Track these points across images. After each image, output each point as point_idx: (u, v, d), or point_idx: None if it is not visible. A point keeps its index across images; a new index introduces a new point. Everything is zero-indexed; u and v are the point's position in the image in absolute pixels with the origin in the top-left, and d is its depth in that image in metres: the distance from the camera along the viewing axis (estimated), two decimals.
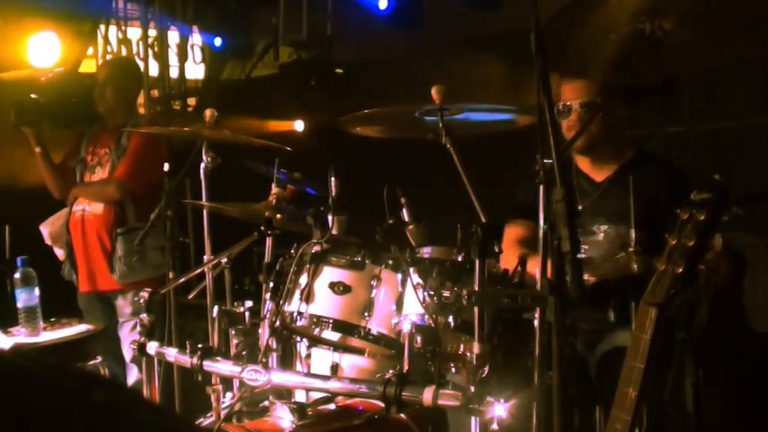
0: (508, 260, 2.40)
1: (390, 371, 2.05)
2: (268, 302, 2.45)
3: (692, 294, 1.55)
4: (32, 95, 3.89)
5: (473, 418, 1.99)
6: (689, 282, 1.53)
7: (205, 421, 2.48)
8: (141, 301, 2.57)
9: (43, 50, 4.43)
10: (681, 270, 1.53)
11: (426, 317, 2.19)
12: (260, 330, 2.50)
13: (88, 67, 5.19)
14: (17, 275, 3.20)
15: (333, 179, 2.42)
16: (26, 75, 4.46)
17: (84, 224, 3.84)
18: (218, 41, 5.44)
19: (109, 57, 5.40)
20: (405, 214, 2.48)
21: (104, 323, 3.75)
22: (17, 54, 4.43)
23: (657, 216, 2.63)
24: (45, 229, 3.99)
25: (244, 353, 2.48)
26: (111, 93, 3.91)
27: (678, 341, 2.44)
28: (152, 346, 2.49)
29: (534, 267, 2.15)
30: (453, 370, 2.30)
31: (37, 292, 3.21)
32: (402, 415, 2.23)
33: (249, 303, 2.59)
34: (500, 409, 1.92)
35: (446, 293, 2.25)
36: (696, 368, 2.41)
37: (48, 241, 4.00)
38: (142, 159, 3.75)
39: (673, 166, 2.89)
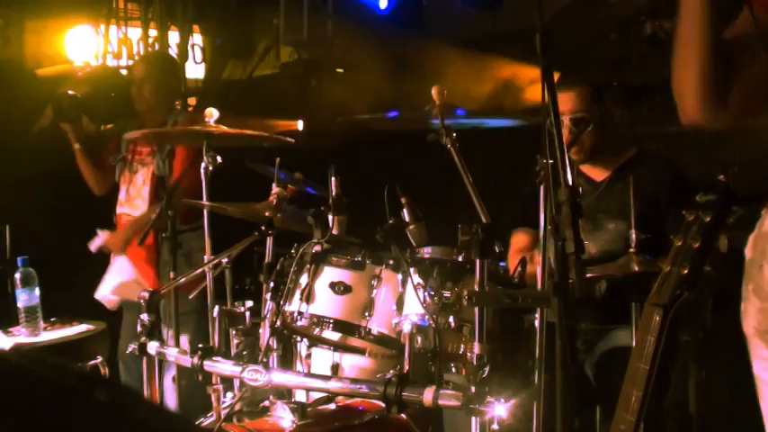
0: (514, 265, 2.41)
1: (391, 371, 2.05)
2: (268, 302, 2.45)
3: (696, 296, 1.55)
4: (70, 92, 3.84)
5: (473, 419, 1.99)
6: (694, 283, 1.53)
7: (205, 421, 2.48)
8: (141, 301, 2.57)
9: (80, 44, 4.40)
10: (686, 271, 1.53)
11: (427, 317, 2.19)
12: (260, 330, 2.50)
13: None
14: (17, 275, 3.19)
15: (333, 179, 2.41)
16: (63, 70, 4.43)
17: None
18: (218, 41, 5.43)
19: (110, 56, 5.39)
20: (405, 214, 2.48)
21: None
22: (53, 49, 4.42)
23: (656, 215, 2.63)
24: (113, 297, 3.75)
25: (244, 353, 2.48)
26: (149, 91, 3.79)
27: (681, 342, 2.44)
28: (152, 346, 2.49)
29: (535, 267, 2.15)
30: (453, 370, 2.30)
31: (37, 292, 3.21)
32: (402, 415, 2.23)
33: (250, 303, 2.59)
34: (500, 409, 1.92)
35: (446, 294, 2.25)
36: (699, 369, 2.41)
37: (110, 307, 3.76)
38: (190, 165, 3.62)
39: (671, 165, 2.90)
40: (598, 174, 2.93)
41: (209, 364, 2.30)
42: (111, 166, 3.92)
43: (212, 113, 2.81)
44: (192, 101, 5.56)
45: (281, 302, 2.39)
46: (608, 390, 1.73)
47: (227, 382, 2.48)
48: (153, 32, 5.49)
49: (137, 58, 5.18)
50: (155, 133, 3.55)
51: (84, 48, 4.45)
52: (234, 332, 2.56)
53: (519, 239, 2.98)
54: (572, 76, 2.83)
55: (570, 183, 1.48)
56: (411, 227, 2.40)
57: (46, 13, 4.58)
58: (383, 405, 2.03)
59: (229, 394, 2.51)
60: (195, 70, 5.60)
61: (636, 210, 2.28)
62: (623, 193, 2.73)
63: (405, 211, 2.41)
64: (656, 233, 2.28)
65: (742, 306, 1.69)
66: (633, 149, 2.94)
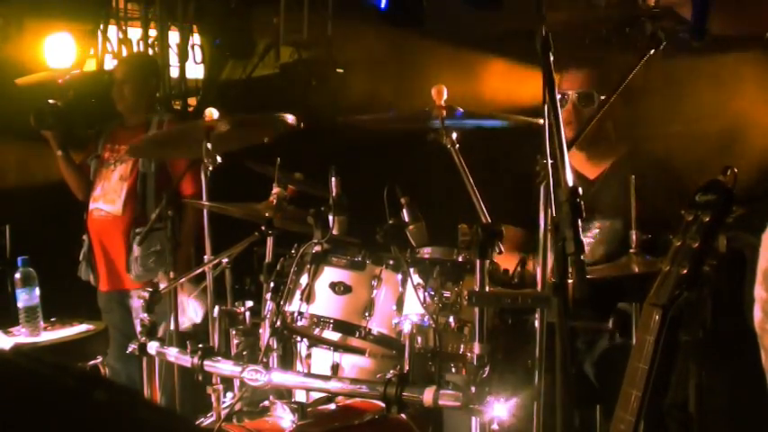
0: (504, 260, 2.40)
1: (391, 371, 2.05)
2: (269, 302, 2.45)
3: (696, 296, 1.55)
4: (50, 101, 3.88)
5: (473, 419, 1.99)
6: (693, 283, 1.53)
7: (205, 421, 2.48)
8: (142, 301, 2.57)
9: (59, 52, 4.43)
10: (685, 271, 1.53)
11: (427, 317, 2.19)
12: (260, 330, 2.50)
13: (88, 67, 5.18)
14: (17, 275, 3.19)
15: (333, 179, 2.41)
16: (44, 78, 4.44)
17: (105, 224, 3.82)
18: (218, 41, 5.43)
19: (109, 56, 5.39)
20: (405, 214, 2.48)
21: (123, 323, 3.74)
22: (34, 57, 4.43)
23: (652, 212, 2.62)
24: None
25: (244, 353, 2.48)
26: (129, 90, 3.87)
27: (681, 342, 2.44)
28: (152, 346, 2.49)
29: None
30: (453, 370, 2.30)
31: (37, 292, 3.21)
32: (402, 415, 2.23)
33: (250, 303, 2.59)
34: (500, 409, 1.92)
35: (446, 294, 2.25)
36: (699, 369, 2.40)
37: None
38: (188, 163, 3.51)
39: (666, 162, 2.89)
40: (592, 171, 2.93)
41: (209, 364, 2.30)
42: (88, 165, 3.94)
43: (212, 114, 2.81)
44: (192, 101, 5.56)
45: (281, 302, 2.39)
46: (609, 388, 1.73)
47: (227, 382, 2.48)
48: (153, 32, 5.49)
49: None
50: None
51: (64, 55, 4.46)
52: (234, 332, 2.55)
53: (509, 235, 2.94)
54: (586, 58, 2.82)
55: (571, 183, 1.48)
56: (411, 227, 2.40)
57: (44, 14, 4.58)
58: (383, 405, 2.03)
59: (229, 394, 2.51)
60: (195, 70, 5.60)
61: (629, 209, 2.27)
62: (615, 191, 2.73)
63: (405, 211, 2.41)
64: (653, 232, 2.28)
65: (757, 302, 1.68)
66: (625, 148, 2.93)
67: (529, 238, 2.83)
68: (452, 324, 2.22)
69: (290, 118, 2.80)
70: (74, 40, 4.48)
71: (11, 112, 4.13)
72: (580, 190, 1.48)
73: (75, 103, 4.12)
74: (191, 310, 3.28)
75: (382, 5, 4.80)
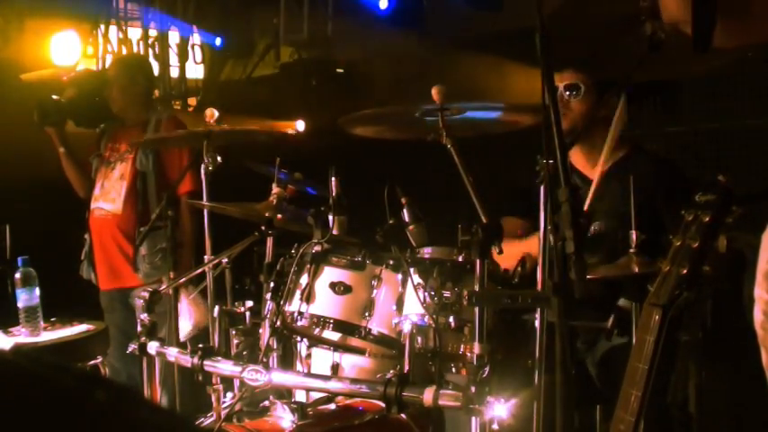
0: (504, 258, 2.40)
1: (391, 371, 2.05)
2: (269, 302, 2.45)
3: (696, 296, 1.55)
4: (54, 96, 3.89)
5: (473, 418, 1.99)
6: (693, 283, 1.53)
7: (205, 421, 2.48)
8: (141, 301, 2.57)
9: (65, 49, 4.43)
10: (685, 271, 1.53)
11: (427, 317, 2.19)
12: (260, 330, 2.50)
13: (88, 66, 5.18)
14: (17, 275, 3.19)
15: (333, 179, 2.41)
16: (49, 75, 4.45)
17: (105, 223, 3.82)
18: (218, 41, 5.44)
19: (109, 56, 5.40)
20: (405, 214, 2.48)
21: (125, 322, 3.74)
22: (39, 54, 4.44)
23: (652, 213, 2.63)
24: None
25: (244, 353, 2.48)
26: (117, 92, 3.88)
27: (681, 342, 2.44)
28: (152, 346, 2.49)
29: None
30: (453, 370, 2.30)
31: (37, 291, 3.21)
32: (402, 415, 2.23)
33: (250, 303, 2.58)
34: (500, 409, 1.92)
35: (446, 294, 2.25)
36: (699, 369, 2.41)
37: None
38: (188, 161, 3.57)
39: (666, 161, 2.90)
40: (592, 171, 2.92)
41: (209, 364, 2.30)
42: (91, 164, 3.94)
43: (213, 113, 2.81)
44: (192, 101, 5.57)
45: (281, 302, 2.39)
46: (609, 388, 1.73)
47: (227, 382, 2.48)
48: (153, 32, 5.50)
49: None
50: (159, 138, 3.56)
51: (69, 52, 4.47)
52: (234, 332, 2.55)
53: (508, 226, 2.95)
54: (573, 60, 2.86)
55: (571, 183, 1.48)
56: (411, 227, 2.40)
57: (45, 14, 4.59)
58: (383, 405, 2.03)
59: (229, 394, 2.51)
60: (195, 70, 5.61)
61: (634, 209, 2.28)
62: (615, 192, 2.73)
63: (405, 211, 2.41)
64: (651, 232, 2.28)
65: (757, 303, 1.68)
66: (626, 148, 2.93)
67: (531, 227, 2.85)
68: (452, 324, 2.22)
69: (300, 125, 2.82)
70: (79, 38, 4.50)
71: (14, 108, 4.14)
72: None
73: (79, 101, 4.12)
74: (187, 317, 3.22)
75: (383, 6, 4.80)
